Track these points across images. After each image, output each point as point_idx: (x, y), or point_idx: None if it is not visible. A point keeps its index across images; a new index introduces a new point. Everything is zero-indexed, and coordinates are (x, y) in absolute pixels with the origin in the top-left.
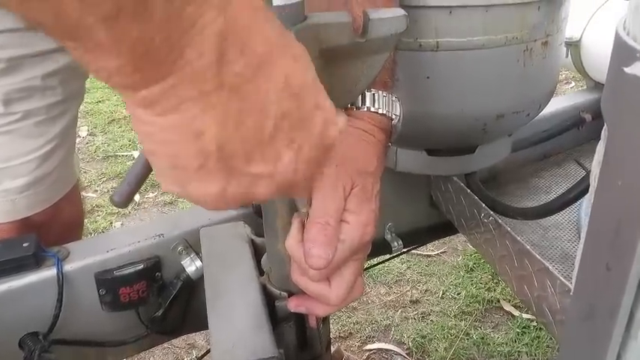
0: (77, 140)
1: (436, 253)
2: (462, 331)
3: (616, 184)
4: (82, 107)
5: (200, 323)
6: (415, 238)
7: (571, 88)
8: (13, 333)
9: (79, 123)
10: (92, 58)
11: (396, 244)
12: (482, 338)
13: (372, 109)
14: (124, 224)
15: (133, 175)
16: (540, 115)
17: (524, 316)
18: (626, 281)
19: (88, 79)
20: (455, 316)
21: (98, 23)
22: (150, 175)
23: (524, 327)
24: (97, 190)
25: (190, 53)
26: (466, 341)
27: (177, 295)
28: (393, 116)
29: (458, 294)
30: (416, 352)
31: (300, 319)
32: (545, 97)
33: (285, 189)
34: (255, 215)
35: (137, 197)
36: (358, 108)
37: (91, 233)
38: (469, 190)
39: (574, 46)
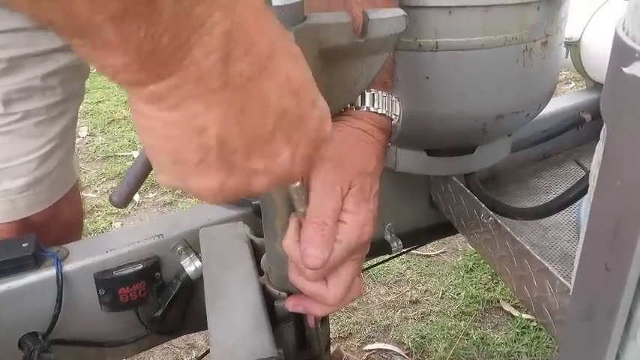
0: (77, 140)
1: (436, 253)
2: (461, 331)
3: (615, 184)
4: (81, 107)
5: (199, 323)
6: (415, 238)
7: (571, 88)
8: (12, 333)
9: (78, 123)
10: (99, 56)
11: (395, 244)
12: (482, 338)
13: (372, 109)
14: (124, 224)
15: (132, 175)
16: (540, 116)
17: (524, 316)
18: (625, 281)
19: (88, 80)
20: (454, 316)
21: (106, 22)
22: (149, 176)
23: (523, 327)
24: (96, 191)
25: (198, 52)
26: (466, 341)
27: (177, 296)
28: (393, 116)
29: (458, 294)
30: (415, 353)
31: (300, 319)
32: (544, 97)
33: (281, 182)
34: (255, 215)
35: (137, 197)
36: (358, 108)
37: (90, 233)
38: (469, 191)
39: (574, 46)
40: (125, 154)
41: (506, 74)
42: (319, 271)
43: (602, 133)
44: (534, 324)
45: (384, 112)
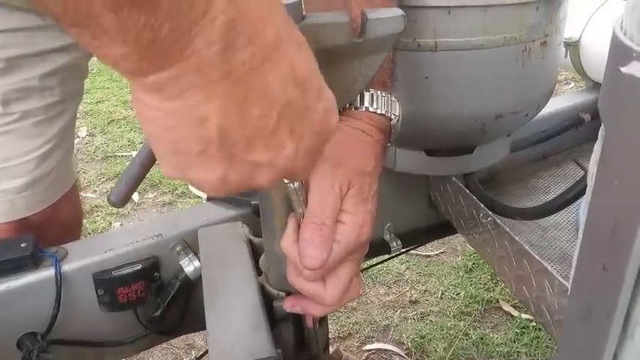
0: (76, 140)
1: (435, 253)
2: (461, 331)
3: (613, 183)
4: (81, 107)
5: (198, 323)
6: (414, 238)
7: (570, 88)
8: (11, 333)
9: (78, 123)
10: (98, 45)
11: (395, 244)
12: (482, 338)
13: (371, 109)
14: (123, 224)
15: (129, 174)
16: (539, 116)
17: (524, 316)
18: (622, 281)
19: (88, 79)
20: (454, 316)
21: (106, 11)
22: (148, 175)
23: (523, 327)
24: (96, 191)
25: (199, 43)
26: (465, 341)
27: (176, 296)
28: (392, 116)
29: (457, 294)
30: (415, 353)
31: (298, 319)
32: (543, 97)
33: (284, 176)
34: (254, 215)
35: (136, 198)
36: (357, 108)
37: (90, 233)
38: (468, 191)
39: (573, 46)
40: (125, 154)
41: (506, 74)
42: (317, 271)
43: (600, 133)
44: (534, 324)
45: (383, 112)
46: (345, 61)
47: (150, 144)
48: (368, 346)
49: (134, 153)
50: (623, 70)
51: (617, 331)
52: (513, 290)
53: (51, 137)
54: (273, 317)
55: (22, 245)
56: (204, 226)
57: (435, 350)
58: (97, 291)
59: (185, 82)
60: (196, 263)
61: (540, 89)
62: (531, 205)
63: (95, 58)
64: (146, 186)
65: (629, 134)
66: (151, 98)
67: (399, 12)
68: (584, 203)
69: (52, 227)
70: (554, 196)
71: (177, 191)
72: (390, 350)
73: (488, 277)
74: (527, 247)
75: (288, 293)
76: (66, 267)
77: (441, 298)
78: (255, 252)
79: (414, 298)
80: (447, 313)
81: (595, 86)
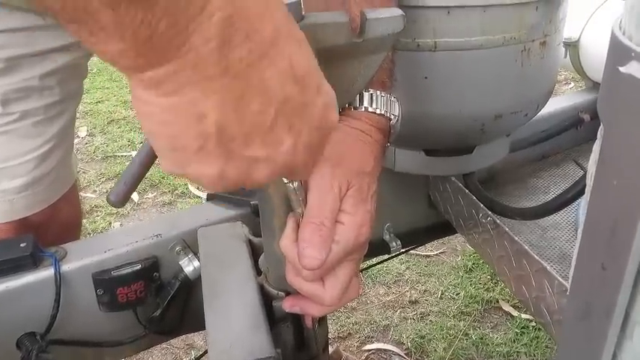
0: (76, 141)
1: (435, 253)
2: (460, 331)
3: (612, 183)
4: (81, 107)
5: (198, 323)
6: (414, 238)
7: (570, 88)
8: (10, 333)
9: (78, 123)
10: (96, 42)
11: (394, 244)
12: (481, 338)
13: (370, 109)
14: (123, 224)
15: (129, 174)
16: (539, 116)
17: (523, 316)
18: (621, 280)
19: (88, 79)
20: (454, 316)
21: (103, 7)
22: (148, 175)
23: (523, 327)
24: (95, 191)
25: (196, 39)
26: (465, 341)
27: (175, 296)
28: (392, 116)
29: (457, 294)
30: (415, 353)
31: (297, 319)
32: (543, 97)
33: (283, 173)
34: (253, 215)
35: (136, 198)
36: (356, 108)
37: (89, 233)
38: (467, 191)
39: (572, 46)
40: (124, 154)
41: (505, 74)
42: (316, 271)
43: (599, 132)
44: (533, 324)
45: (382, 112)
46: (344, 61)
47: (149, 140)
48: (368, 346)
49: (134, 153)
50: (622, 69)
51: (615, 330)
52: (513, 290)
53: (50, 137)
54: (273, 317)
55: (22, 245)
56: (203, 226)
57: (435, 350)
58: (96, 291)
59: (183, 78)
60: (196, 263)
61: (540, 89)
62: (531, 205)
63: (95, 58)
64: (146, 186)
65: (628, 134)
66: (148, 94)
67: (399, 12)
68: (583, 203)
69: (51, 227)
70: (553, 196)
71: (176, 191)
72: (390, 350)
73: (488, 277)
74: (526, 247)
75: (288, 293)
76: (65, 267)
77: (441, 298)
78: (255, 252)
79: (413, 298)
80: (447, 313)
81: (595, 86)
